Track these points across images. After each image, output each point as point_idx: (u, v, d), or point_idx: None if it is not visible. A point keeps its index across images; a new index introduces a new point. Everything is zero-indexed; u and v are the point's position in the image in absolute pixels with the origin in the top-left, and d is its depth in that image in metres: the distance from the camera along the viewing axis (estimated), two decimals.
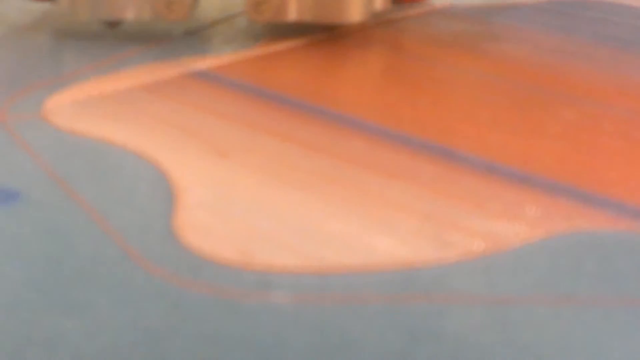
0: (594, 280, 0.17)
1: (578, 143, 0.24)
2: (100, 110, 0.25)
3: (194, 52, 0.30)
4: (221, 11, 0.34)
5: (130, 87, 0.26)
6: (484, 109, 0.26)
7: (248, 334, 0.15)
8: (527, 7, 0.37)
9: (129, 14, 0.29)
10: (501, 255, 0.18)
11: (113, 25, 0.30)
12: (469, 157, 0.23)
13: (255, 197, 0.20)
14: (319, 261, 0.18)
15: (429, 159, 0.22)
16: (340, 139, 0.23)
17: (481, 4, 0.37)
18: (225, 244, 0.18)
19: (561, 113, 0.26)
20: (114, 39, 0.30)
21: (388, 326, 0.16)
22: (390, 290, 0.17)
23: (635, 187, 0.21)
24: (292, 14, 0.30)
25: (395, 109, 0.26)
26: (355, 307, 0.16)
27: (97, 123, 0.24)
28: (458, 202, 0.20)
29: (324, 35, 0.32)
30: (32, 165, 0.21)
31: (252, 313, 0.16)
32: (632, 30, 0.35)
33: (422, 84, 0.29)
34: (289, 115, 0.25)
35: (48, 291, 0.16)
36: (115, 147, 0.22)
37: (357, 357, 0.15)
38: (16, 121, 0.24)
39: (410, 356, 0.15)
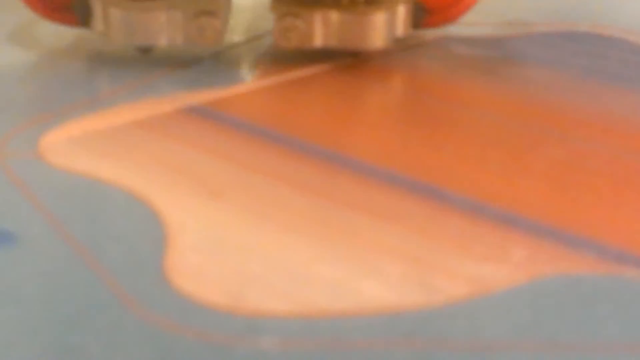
0: (576, 326, 0.18)
1: (564, 183, 0.24)
2: (95, 147, 0.25)
3: (194, 84, 0.30)
4: (244, 32, 0.35)
5: (125, 124, 0.27)
6: (472, 146, 0.27)
7: None
8: (515, 39, 0.37)
9: (162, 40, 0.30)
10: (485, 299, 0.19)
11: (146, 50, 0.31)
12: (456, 198, 0.23)
13: (246, 239, 0.20)
14: (307, 305, 0.18)
15: (418, 200, 0.23)
16: (331, 179, 0.24)
17: (472, 36, 0.37)
18: (215, 287, 0.18)
19: (548, 151, 0.27)
20: (137, 64, 0.31)
21: None
22: (376, 335, 0.17)
23: (618, 229, 0.22)
24: (318, 40, 0.31)
25: (387, 147, 0.26)
26: (341, 352, 0.17)
27: (92, 161, 0.24)
28: (444, 245, 0.21)
29: (329, 66, 0.33)
30: (27, 206, 0.22)
31: (242, 359, 0.16)
32: (621, 64, 0.35)
33: (413, 121, 0.29)
34: (283, 154, 0.25)
35: (40, 335, 0.17)
36: (109, 186, 0.23)
37: None
38: (13, 159, 0.24)
39: None
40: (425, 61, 0.34)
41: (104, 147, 0.25)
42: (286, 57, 0.32)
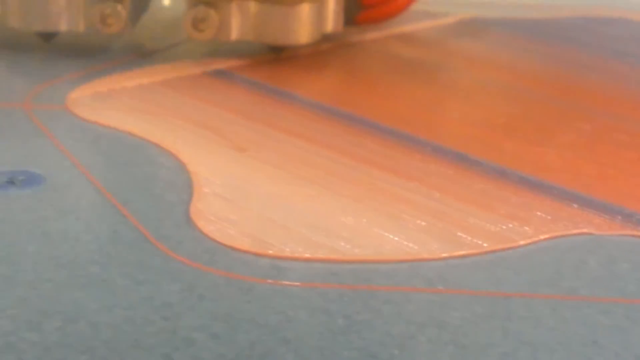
0: (594, 281, 0.18)
1: (590, 152, 0.24)
2: (121, 102, 0.25)
3: (222, 52, 0.30)
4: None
5: (152, 82, 0.27)
6: (500, 117, 0.27)
7: (258, 313, 0.16)
8: (550, 21, 0.37)
9: (62, 26, 0.27)
10: (507, 254, 0.19)
11: (47, 37, 0.28)
12: (482, 162, 0.23)
13: (271, 190, 0.21)
14: (328, 252, 0.18)
15: (442, 162, 0.23)
16: (355, 140, 0.24)
17: (506, 17, 0.37)
18: (239, 232, 0.19)
19: (576, 124, 0.27)
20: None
21: (393, 313, 0.16)
22: (396, 281, 0.17)
23: None
24: (234, 33, 0.28)
25: (411, 114, 0.26)
26: (362, 294, 0.17)
27: (118, 115, 0.24)
28: (467, 203, 0.21)
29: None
30: (56, 153, 0.22)
31: (263, 295, 0.16)
32: None
33: (442, 90, 0.29)
34: (309, 116, 0.25)
35: (67, 268, 0.17)
36: (136, 138, 0.23)
37: (360, 338, 0.15)
38: (41, 111, 0.25)
39: (413, 340, 0.15)
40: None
41: (130, 103, 0.25)
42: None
